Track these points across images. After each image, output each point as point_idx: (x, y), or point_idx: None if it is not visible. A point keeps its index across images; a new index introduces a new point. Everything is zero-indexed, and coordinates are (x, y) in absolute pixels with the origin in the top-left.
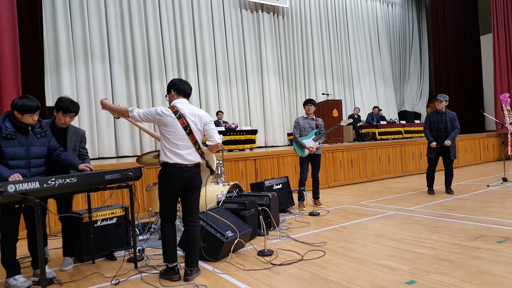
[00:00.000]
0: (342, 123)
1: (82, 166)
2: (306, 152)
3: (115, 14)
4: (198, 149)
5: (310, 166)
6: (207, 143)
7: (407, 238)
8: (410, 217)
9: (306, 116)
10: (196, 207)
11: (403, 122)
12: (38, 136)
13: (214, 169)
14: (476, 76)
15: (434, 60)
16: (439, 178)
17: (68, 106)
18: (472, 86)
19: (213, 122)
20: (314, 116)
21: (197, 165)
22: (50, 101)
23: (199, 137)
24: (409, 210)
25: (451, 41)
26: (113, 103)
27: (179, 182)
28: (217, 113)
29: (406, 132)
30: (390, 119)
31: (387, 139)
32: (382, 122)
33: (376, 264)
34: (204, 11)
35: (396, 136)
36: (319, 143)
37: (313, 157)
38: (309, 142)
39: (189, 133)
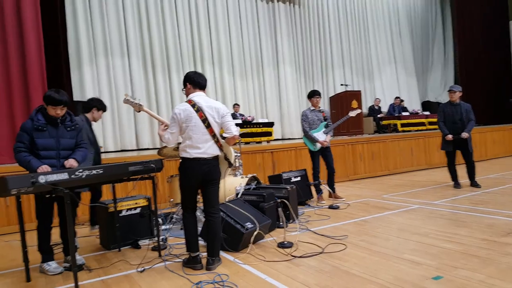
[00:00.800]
0: (351, 114)
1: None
2: (318, 145)
3: (133, 10)
4: (217, 142)
5: (321, 160)
6: (224, 135)
7: (432, 233)
8: (435, 211)
9: (313, 108)
10: (216, 199)
11: (427, 113)
12: (68, 129)
13: (232, 161)
14: (505, 64)
15: (459, 48)
16: (462, 171)
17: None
18: (500, 75)
19: (230, 114)
20: (321, 108)
21: (216, 157)
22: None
23: (217, 130)
24: (434, 204)
25: (477, 27)
26: (132, 96)
27: (199, 175)
28: (233, 106)
29: (430, 123)
30: (413, 110)
31: (410, 131)
32: (404, 113)
33: (400, 259)
34: (219, 3)
35: (419, 128)
36: (330, 135)
37: (324, 150)
38: (320, 136)
39: (208, 126)
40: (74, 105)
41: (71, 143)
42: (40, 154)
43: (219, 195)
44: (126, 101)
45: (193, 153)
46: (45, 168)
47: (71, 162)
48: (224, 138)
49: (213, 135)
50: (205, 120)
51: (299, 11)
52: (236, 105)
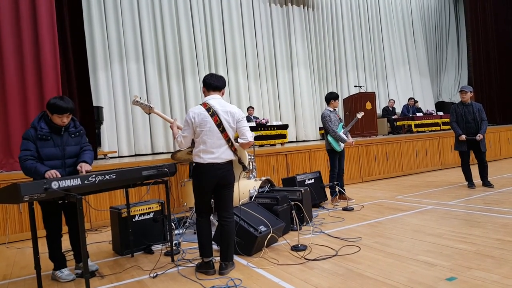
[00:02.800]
0: (358, 116)
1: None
2: (342, 145)
3: (148, 15)
4: (231, 146)
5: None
6: (239, 140)
7: (446, 234)
8: (449, 212)
9: (332, 109)
10: (230, 203)
11: (441, 113)
12: (73, 135)
13: (247, 165)
14: None
15: (473, 48)
16: (475, 171)
17: None
18: None
19: (245, 119)
20: (336, 109)
21: (230, 162)
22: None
23: (231, 134)
24: (448, 205)
25: (491, 27)
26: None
27: (213, 180)
28: (247, 109)
29: (444, 123)
30: (427, 110)
31: (424, 131)
32: (418, 114)
33: (414, 260)
34: (234, 7)
35: (434, 128)
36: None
37: (341, 151)
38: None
39: (223, 130)
40: (92, 110)
41: (76, 150)
42: (45, 164)
43: (233, 199)
44: (135, 103)
45: (206, 159)
46: (53, 173)
47: (85, 167)
48: (238, 142)
49: (228, 140)
50: (220, 125)
51: (312, 14)
52: (250, 108)
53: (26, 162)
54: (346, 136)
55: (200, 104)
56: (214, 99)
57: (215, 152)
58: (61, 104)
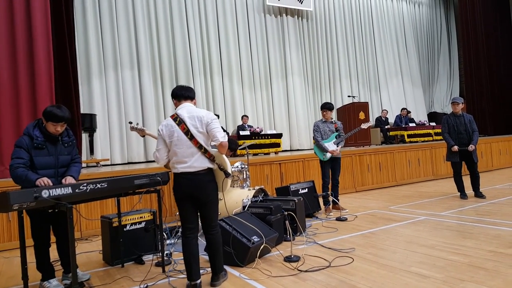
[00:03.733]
0: (363, 126)
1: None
2: (328, 155)
3: (143, 23)
4: (205, 152)
5: (329, 170)
6: (212, 143)
7: (439, 245)
8: (442, 223)
9: (324, 120)
10: (213, 216)
11: (433, 124)
12: (66, 145)
13: (229, 170)
14: (510, 75)
15: (464, 59)
16: (467, 182)
17: None
18: (505, 85)
19: (216, 121)
20: (333, 119)
21: (206, 171)
22: (82, 109)
23: (202, 140)
24: (441, 215)
25: (482, 39)
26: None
27: (188, 190)
28: (242, 118)
29: (436, 134)
30: (420, 121)
31: (417, 142)
32: (411, 124)
33: (407, 272)
34: (229, 17)
35: (426, 139)
36: (341, 146)
37: (333, 161)
38: (330, 145)
39: (191, 137)
40: (83, 118)
41: (68, 159)
42: (38, 173)
43: (216, 211)
44: (132, 129)
45: (179, 168)
46: (45, 181)
47: (69, 180)
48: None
49: (199, 146)
50: (187, 132)
51: (307, 24)
52: (244, 117)
53: (17, 170)
54: (337, 145)
55: (170, 116)
56: (183, 108)
57: (188, 161)
58: (57, 112)
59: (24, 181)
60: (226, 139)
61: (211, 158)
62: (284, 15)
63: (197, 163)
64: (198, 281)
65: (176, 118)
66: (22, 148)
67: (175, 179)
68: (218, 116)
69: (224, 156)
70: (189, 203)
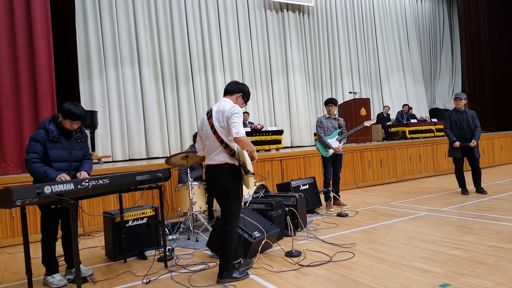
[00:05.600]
0: (366, 124)
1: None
2: (331, 152)
3: (144, 20)
4: (225, 148)
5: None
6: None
7: (440, 240)
8: (443, 218)
9: (328, 116)
10: (226, 211)
11: (435, 120)
12: (78, 140)
13: (248, 167)
14: None
15: (467, 55)
16: (469, 177)
17: None
18: (507, 81)
19: (236, 116)
20: (336, 116)
21: (225, 165)
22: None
23: (224, 135)
24: (442, 211)
25: (484, 35)
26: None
27: (208, 182)
28: (242, 114)
29: (438, 130)
30: (421, 117)
31: (418, 138)
32: (412, 121)
33: (408, 266)
34: (230, 13)
35: (427, 135)
36: (343, 143)
37: (335, 157)
38: (333, 142)
39: (214, 132)
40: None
41: (81, 155)
42: (53, 166)
43: (230, 208)
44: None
45: (206, 161)
46: (63, 177)
47: (84, 175)
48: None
49: (221, 141)
50: (212, 126)
51: (308, 20)
52: (245, 113)
53: (34, 165)
54: (340, 142)
55: None
56: (218, 102)
57: (211, 154)
58: (75, 111)
59: (43, 176)
60: (240, 134)
61: (231, 153)
62: (285, 10)
63: (217, 157)
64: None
65: (208, 113)
66: (38, 142)
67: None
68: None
69: (245, 152)
70: (213, 195)
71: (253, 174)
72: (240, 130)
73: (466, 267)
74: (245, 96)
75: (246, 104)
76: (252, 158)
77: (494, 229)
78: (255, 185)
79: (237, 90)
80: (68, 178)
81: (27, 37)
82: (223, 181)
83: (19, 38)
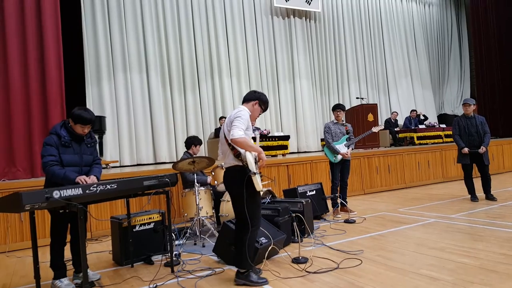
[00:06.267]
0: (374, 129)
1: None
2: (339, 157)
3: (152, 25)
4: (232, 150)
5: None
6: None
7: (449, 247)
8: (452, 225)
9: (336, 121)
10: (236, 210)
11: (443, 125)
12: (89, 145)
13: (251, 168)
14: None
15: (476, 60)
16: (478, 184)
17: None
18: None
19: (238, 118)
20: (343, 121)
21: (234, 167)
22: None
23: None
24: (451, 218)
25: (493, 39)
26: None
27: (225, 186)
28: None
29: (447, 136)
30: (429, 122)
31: (426, 144)
32: (420, 126)
33: (416, 274)
34: (237, 19)
35: (436, 141)
36: (352, 149)
37: (343, 163)
38: (342, 148)
39: (224, 136)
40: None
41: (91, 159)
42: None
43: (239, 208)
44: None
45: (222, 164)
46: (83, 178)
47: (93, 179)
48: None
49: (228, 144)
50: (223, 131)
51: (314, 26)
52: None
53: (53, 168)
54: (348, 148)
55: None
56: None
57: (224, 158)
58: (85, 115)
59: (62, 179)
60: (234, 136)
61: (236, 155)
62: (291, 16)
63: (226, 159)
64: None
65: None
66: (52, 146)
67: None
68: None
69: (248, 153)
70: (230, 197)
71: (255, 173)
72: (235, 132)
73: (476, 275)
74: (262, 103)
75: (264, 112)
76: (260, 159)
77: (505, 236)
78: (261, 191)
79: (254, 97)
80: (88, 180)
81: (37, 45)
82: (232, 183)
83: (29, 46)
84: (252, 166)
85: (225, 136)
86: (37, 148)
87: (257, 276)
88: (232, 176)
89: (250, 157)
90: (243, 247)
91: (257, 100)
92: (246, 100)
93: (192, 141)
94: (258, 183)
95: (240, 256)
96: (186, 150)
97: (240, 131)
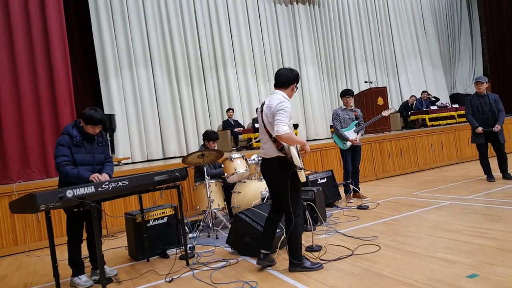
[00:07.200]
0: (384, 113)
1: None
2: (348, 144)
3: (154, 20)
4: (274, 142)
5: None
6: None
7: (466, 229)
8: (468, 207)
9: (344, 107)
10: (283, 201)
11: (456, 105)
12: (100, 144)
13: (296, 163)
14: None
15: (487, 37)
16: (494, 164)
17: None
18: None
19: (281, 112)
20: (352, 107)
21: (275, 159)
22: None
23: (271, 130)
24: (467, 199)
25: (506, 14)
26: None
27: (263, 174)
28: (256, 110)
29: (460, 116)
30: (441, 103)
31: (439, 125)
32: (432, 107)
33: (433, 258)
34: (240, 9)
35: (449, 121)
36: (361, 135)
37: (354, 149)
38: (351, 134)
39: (265, 126)
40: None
41: (102, 158)
42: None
43: (285, 199)
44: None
45: (260, 153)
46: (96, 177)
47: (105, 177)
48: None
49: (270, 135)
50: (263, 120)
51: (319, 11)
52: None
53: (66, 168)
54: (357, 134)
55: None
56: (269, 96)
57: (264, 147)
58: (96, 116)
59: (76, 178)
60: (280, 132)
61: (279, 147)
62: (294, 3)
63: (268, 150)
64: (263, 251)
65: (261, 106)
66: (64, 146)
67: None
68: (232, 109)
69: (292, 148)
70: (269, 187)
71: (301, 169)
72: (280, 128)
73: (494, 256)
74: (297, 81)
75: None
76: (303, 151)
77: None
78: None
79: (291, 80)
80: (102, 177)
81: (43, 46)
82: (274, 173)
83: (36, 48)
84: (298, 161)
85: (264, 126)
86: (50, 148)
87: (310, 262)
88: (274, 167)
89: (294, 151)
90: (291, 239)
91: (295, 82)
92: (283, 84)
93: (205, 136)
94: (303, 175)
95: (291, 248)
96: (202, 144)
97: (285, 126)
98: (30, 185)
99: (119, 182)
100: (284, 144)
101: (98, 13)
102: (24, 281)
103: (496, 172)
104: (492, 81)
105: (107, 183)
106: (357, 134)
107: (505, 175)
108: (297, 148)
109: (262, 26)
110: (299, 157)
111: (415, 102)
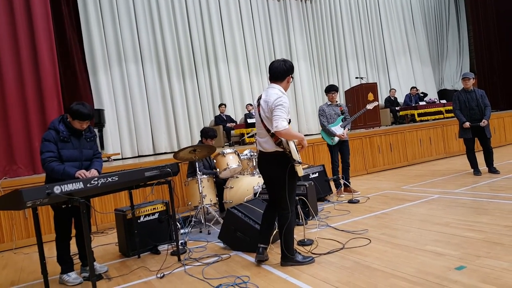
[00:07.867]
0: (368, 107)
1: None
2: (336, 139)
3: (145, 15)
4: (272, 136)
5: (339, 154)
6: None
7: (454, 222)
8: (456, 200)
9: (330, 103)
10: (277, 196)
11: (444, 101)
12: (88, 140)
13: (295, 157)
14: None
15: (474, 34)
16: (480, 158)
17: None
18: None
19: (280, 108)
20: (338, 102)
21: (273, 153)
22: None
23: (269, 125)
24: (454, 193)
25: (492, 12)
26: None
27: (260, 169)
28: (246, 106)
29: (448, 111)
30: (430, 99)
31: (427, 120)
32: (421, 103)
33: (422, 250)
34: (232, 3)
35: (437, 117)
36: (348, 129)
37: (342, 144)
38: (338, 129)
39: (262, 120)
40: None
41: (91, 154)
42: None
43: (280, 193)
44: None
45: (258, 147)
46: (82, 172)
47: (94, 173)
48: None
49: (267, 130)
50: (259, 115)
51: (310, 6)
52: (249, 105)
53: (52, 164)
54: (344, 128)
55: None
56: (266, 90)
57: (261, 141)
58: (83, 111)
59: (62, 174)
60: (279, 128)
61: (277, 142)
62: None
63: (266, 145)
64: (261, 245)
65: (258, 100)
66: (50, 142)
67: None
68: (225, 105)
69: (291, 142)
70: (265, 181)
71: (299, 163)
72: (279, 124)
73: (481, 248)
74: (292, 73)
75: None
76: (301, 146)
77: (509, 208)
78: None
79: (286, 73)
80: (88, 174)
81: (29, 40)
82: (271, 168)
83: (21, 41)
84: (296, 155)
85: (262, 121)
86: (36, 144)
87: (302, 256)
88: (272, 161)
89: (293, 146)
90: (286, 234)
91: (289, 74)
92: (278, 77)
93: (202, 134)
94: (300, 169)
95: (284, 242)
96: (200, 140)
97: (284, 121)
98: (16, 182)
99: (108, 178)
100: (282, 139)
101: (86, 6)
102: (11, 279)
103: (482, 166)
104: (478, 78)
105: (96, 179)
106: (344, 129)
107: (491, 169)
108: (294, 142)
109: (254, 21)
110: (297, 151)
111: (395, 94)
